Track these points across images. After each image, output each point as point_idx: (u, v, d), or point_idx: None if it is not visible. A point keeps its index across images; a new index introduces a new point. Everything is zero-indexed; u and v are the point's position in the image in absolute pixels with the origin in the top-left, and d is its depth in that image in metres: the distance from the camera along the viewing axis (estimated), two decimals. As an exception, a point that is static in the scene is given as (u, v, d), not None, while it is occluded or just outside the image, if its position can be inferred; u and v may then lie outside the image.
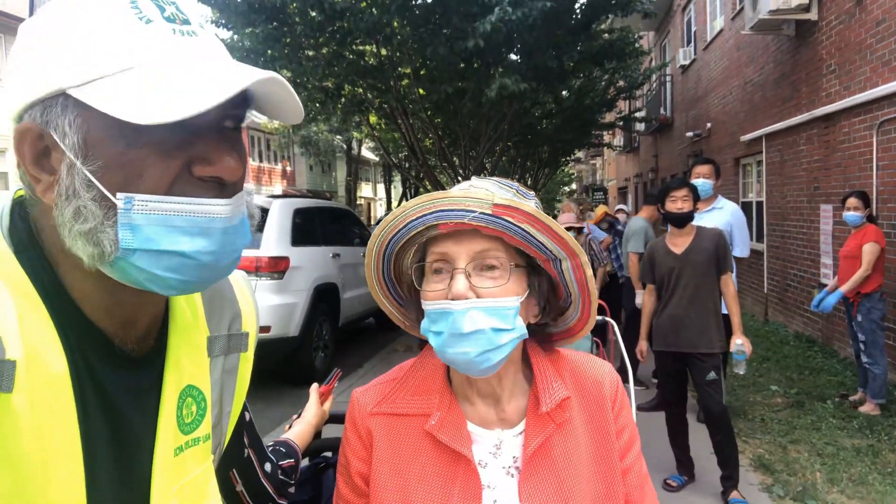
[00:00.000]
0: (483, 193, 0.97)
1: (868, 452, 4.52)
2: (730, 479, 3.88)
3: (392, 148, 17.62)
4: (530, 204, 1.01)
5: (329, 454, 2.01)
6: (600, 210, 8.94)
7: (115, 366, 0.74)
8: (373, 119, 13.39)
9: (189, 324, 0.85)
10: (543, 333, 1.13)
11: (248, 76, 0.65)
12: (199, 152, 0.68)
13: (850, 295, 5.32)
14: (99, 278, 0.71)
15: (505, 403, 1.06)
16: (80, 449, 0.68)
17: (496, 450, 1.04)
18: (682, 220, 4.01)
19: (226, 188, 0.71)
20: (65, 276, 0.71)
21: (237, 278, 1.00)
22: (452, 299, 0.95)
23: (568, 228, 7.44)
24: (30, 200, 0.73)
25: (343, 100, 10.69)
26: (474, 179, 1.05)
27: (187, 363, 0.83)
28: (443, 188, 12.82)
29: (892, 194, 6.06)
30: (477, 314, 0.94)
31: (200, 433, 0.84)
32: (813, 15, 7.73)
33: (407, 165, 20.36)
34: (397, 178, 33.21)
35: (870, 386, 5.34)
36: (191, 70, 0.66)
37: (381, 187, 30.25)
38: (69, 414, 0.67)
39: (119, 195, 0.65)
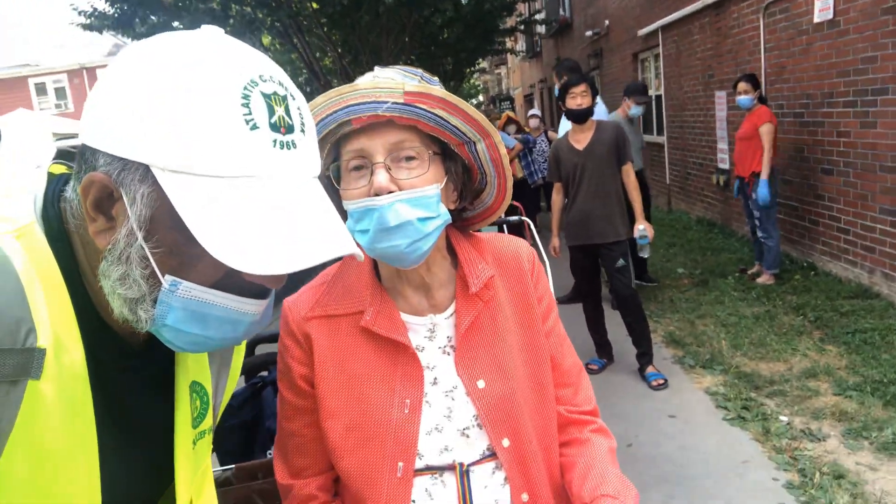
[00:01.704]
0: (392, 83, 0.95)
1: (765, 318, 4.95)
2: (644, 356, 4.18)
3: (290, 71, 16.85)
4: (439, 88, 1.00)
5: (265, 373, 2.02)
6: (503, 116, 9.02)
7: (123, 361, 0.77)
8: (266, 41, 12.68)
9: None
10: (463, 218, 1.15)
11: (327, 250, 0.66)
12: None
13: (745, 175, 5.65)
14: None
15: (435, 291, 1.09)
16: (95, 438, 0.70)
17: (430, 333, 1.08)
18: (583, 116, 4.10)
19: (267, 290, 0.74)
20: (83, 270, 0.73)
21: None
22: (375, 195, 0.94)
23: None
24: (69, 203, 0.72)
25: (231, 21, 10.02)
26: (378, 70, 1.03)
27: (191, 360, 0.85)
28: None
29: (778, 76, 6.37)
30: (402, 206, 0.94)
31: (205, 426, 0.88)
32: None
33: (308, 89, 19.57)
34: (300, 103, 31.95)
35: (765, 258, 5.79)
36: (274, 212, 0.65)
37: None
38: (86, 404, 0.69)
39: (167, 277, 0.67)
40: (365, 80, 0.99)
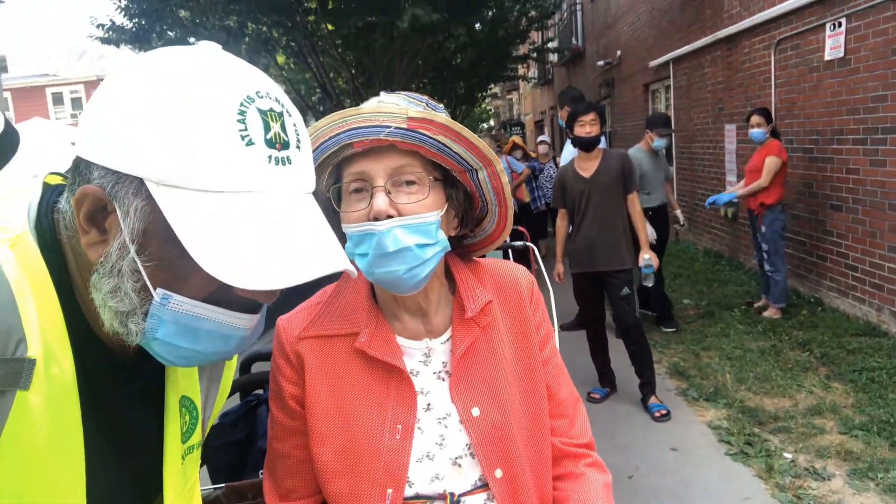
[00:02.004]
0: (396, 108, 0.95)
1: (771, 352, 4.89)
2: (647, 386, 4.13)
3: (304, 90, 17.04)
4: (442, 116, 1.00)
5: (261, 391, 2.00)
6: (510, 142, 9.08)
7: (113, 374, 0.76)
8: (280, 59, 12.84)
9: None
10: (463, 246, 1.14)
11: (321, 266, 0.66)
12: None
13: (753, 207, 5.64)
14: None
15: (432, 315, 1.08)
16: (83, 451, 0.69)
17: (426, 358, 1.07)
18: (591, 144, 4.11)
19: (258, 304, 0.73)
20: (75, 282, 0.72)
21: None
22: (374, 219, 0.94)
23: None
24: (62, 214, 0.72)
25: (247, 39, 10.16)
26: (383, 95, 1.04)
27: (181, 375, 0.85)
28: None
29: (788, 110, 6.38)
30: (400, 232, 0.94)
31: (194, 441, 0.87)
32: (714, -64, 7.86)
33: (321, 108, 19.79)
34: (312, 122, 32.30)
35: (772, 292, 5.74)
36: (269, 228, 0.65)
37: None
38: (75, 416, 0.68)
39: (158, 290, 0.67)
40: (369, 105, 0.99)
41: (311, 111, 14.58)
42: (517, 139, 9.49)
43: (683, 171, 9.87)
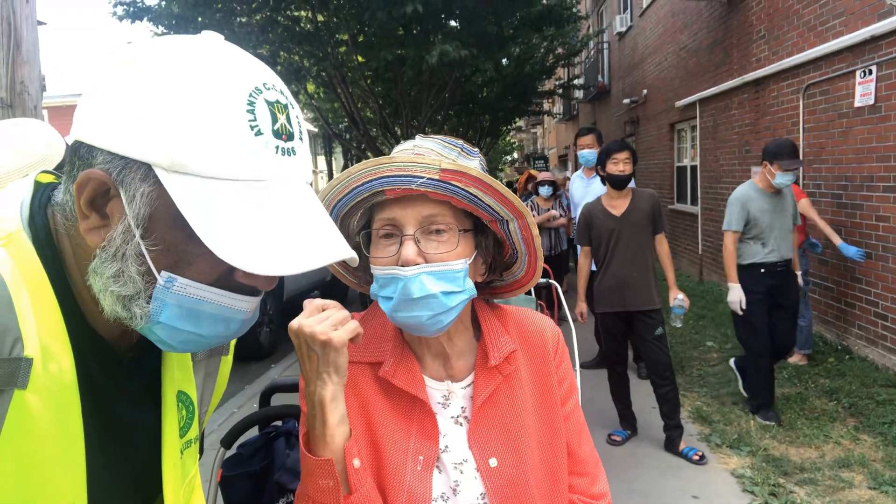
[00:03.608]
0: (429, 158, 0.96)
1: (796, 400, 4.78)
2: (677, 429, 4.05)
3: (332, 118, 17.33)
4: (475, 163, 1.02)
5: (279, 423, 1.99)
6: (525, 173, 9.02)
7: (111, 369, 0.76)
8: (310, 88, 13.09)
9: None
10: (491, 288, 1.14)
11: (322, 254, 0.68)
12: None
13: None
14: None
15: (454, 360, 1.08)
16: (83, 448, 0.69)
17: (445, 400, 1.06)
18: (623, 183, 4.10)
19: (258, 289, 0.75)
20: (72, 278, 0.72)
21: None
22: (402, 265, 0.95)
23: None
24: (60, 206, 0.72)
25: (279, 68, 10.38)
26: (419, 139, 1.05)
27: (177, 370, 0.85)
28: (385, 158, 12.82)
29: (817, 156, 6.33)
30: (427, 279, 0.94)
31: (191, 436, 0.88)
32: (743, -19, 7.92)
33: (347, 136, 20.11)
34: (338, 150, 32.72)
35: (797, 337, 5.63)
36: (276, 216, 0.67)
37: (321, 159, 29.71)
38: (74, 413, 0.68)
39: (163, 273, 0.67)
40: (403, 153, 1.00)
41: (337, 139, 14.79)
42: (534, 172, 9.43)
43: (708, 210, 9.80)
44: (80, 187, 0.67)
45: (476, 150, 1.07)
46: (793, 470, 3.73)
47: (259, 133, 0.67)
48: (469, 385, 1.07)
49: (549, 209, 7.29)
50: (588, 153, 5.74)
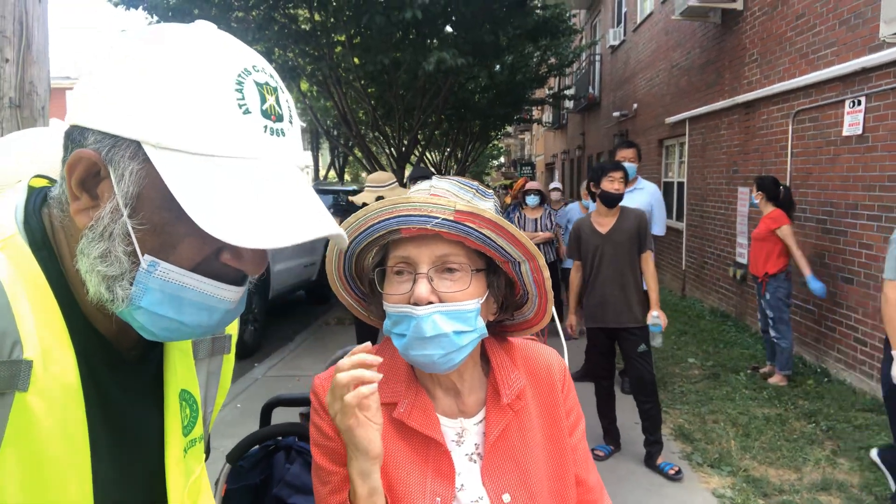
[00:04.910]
0: (444, 200, 0.99)
1: (776, 421, 4.87)
2: (657, 444, 4.14)
3: (321, 115, 17.29)
4: (490, 204, 1.05)
5: (280, 437, 2.00)
6: (520, 180, 8.97)
7: (114, 369, 0.76)
8: (304, 86, 13.04)
9: None
10: (501, 327, 1.17)
11: (311, 229, 0.68)
12: (233, 246, 0.69)
13: (758, 275, 5.68)
14: None
15: (465, 396, 1.10)
16: (88, 448, 0.69)
17: (459, 438, 1.09)
18: (616, 201, 4.17)
19: (244, 277, 0.75)
20: (72, 280, 0.72)
21: None
22: (414, 304, 0.97)
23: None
24: (56, 199, 0.72)
25: (273, 65, 10.30)
26: (435, 180, 1.07)
27: (180, 369, 0.85)
28: (375, 158, 12.58)
29: (804, 180, 6.46)
30: (439, 318, 0.97)
31: (196, 434, 0.87)
32: (738, 5, 8.04)
33: (336, 133, 20.03)
34: (325, 146, 32.55)
35: (777, 359, 5.74)
36: (264, 192, 0.67)
37: (307, 154, 29.52)
38: (78, 414, 0.68)
39: (146, 257, 0.67)
40: (420, 194, 1.03)
41: (326, 136, 14.75)
42: (530, 182, 9.48)
43: (693, 227, 9.94)
44: (72, 167, 0.67)
45: (490, 191, 1.10)
46: (772, 491, 3.81)
47: (247, 112, 0.68)
48: (481, 421, 1.10)
49: (536, 219, 7.33)
50: (628, 166, 5.64)
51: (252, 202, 0.65)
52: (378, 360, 0.91)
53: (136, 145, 0.65)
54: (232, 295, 0.73)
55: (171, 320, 0.70)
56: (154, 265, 0.67)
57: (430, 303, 0.97)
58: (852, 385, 5.51)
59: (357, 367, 0.89)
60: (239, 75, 0.68)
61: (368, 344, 0.95)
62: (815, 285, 5.51)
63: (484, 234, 0.99)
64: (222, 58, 0.68)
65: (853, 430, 4.63)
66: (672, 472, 3.99)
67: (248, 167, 0.67)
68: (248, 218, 0.64)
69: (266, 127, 0.69)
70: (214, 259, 0.70)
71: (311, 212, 0.70)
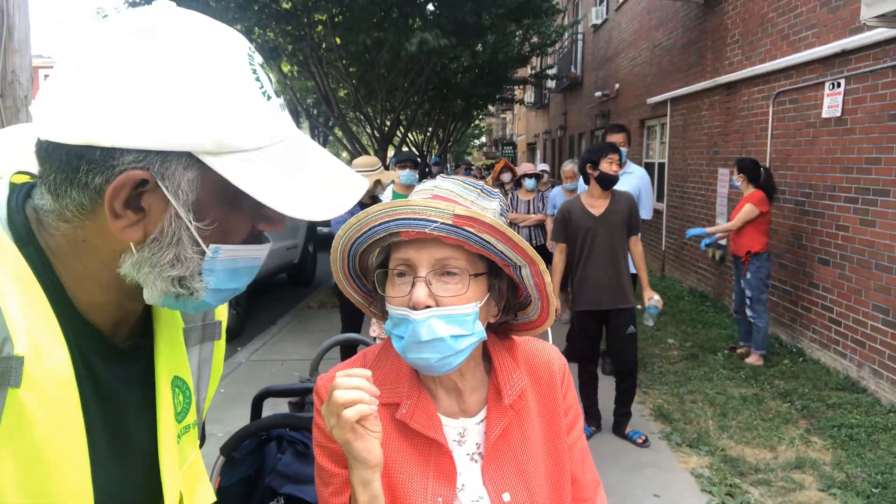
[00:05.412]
0: (444, 204, 0.99)
1: (753, 401, 4.98)
2: (627, 415, 4.38)
3: (301, 94, 17.07)
4: (495, 203, 1.05)
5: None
6: (501, 161, 8.94)
7: (108, 359, 0.77)
8: (285, 67, 12.86)
9: (168, 317, 0.87)
10: (506, 325, 1.18)
11: (356, 187, 0.78)
12: (268, 214, 0.77)
13: (740, 253, 5.77)
14: (93, 280, 0.73)
15: (467, 396, 1.11)
16: (85, 440, 0.70)
17: (460, 437, 1.10)
18: (613, 183, 4.19)
19: (264, 235, 0.81)
20: (61, 274, 0.72)
21: None
22: (412, 307, 0.98)
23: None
24: (47, 204, 0.71)
25: (253, 45, 10.15)
26: (439, 180, 1.07)
27: (171, 356, 0.86)
28: (356, 138, 12.45)
29: (783, 162, 6.53)
30: (436, 322, 0.97)
31: (190, 420, 0.89)
32: (720, -15, 8.05)
33: (315, 112, 19.79)
34: (305, 125, 32.24)
35: (754, 338, 5.85)
36: (306, 168, 0.75)
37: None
38: (73, 407, 0.69)
39: (211, 246, 0.73)
40: (422, 194, 1.03)
41: (305, 115, 14.58)
42: (510, 164, 9.44)
43: (674, 208, 10.02)
44: (117, 191, 0.66)
45: (496, 191, 1.11)
46: (748, 470, 3.91)
47: (269, 98, 0.72)
48: (482, 421, 1.11)
49: (529, 201, 7.36)
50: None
51: (305, 179, 0.73)
52: (368, 373, 0.93)
53: (188, 156, 0.67)
54: (265, 252, 0.81)
55: (229, 290, 0.77)
56: (217, 250, 0.73)
57: (428, 307, 0.98)
58: (826, 364, 5.64)
59: (356, 390, 0.90)
60: (249, 63, 0.71)
61: (368, 372, 0.94)
62: (695, 231, 6.32)
63: (483, 239, 0.99)
64: (230, 50, 0.70)
65: (826, 409, 4.75)
66: (640, 440, 4.18)
67: (286, 148, 0.73)
68: (311, 193, 0.72)
69: (280, 105, 0.75)
70: (252, 229, 0.77)
71: (346, 173, 0.78)
